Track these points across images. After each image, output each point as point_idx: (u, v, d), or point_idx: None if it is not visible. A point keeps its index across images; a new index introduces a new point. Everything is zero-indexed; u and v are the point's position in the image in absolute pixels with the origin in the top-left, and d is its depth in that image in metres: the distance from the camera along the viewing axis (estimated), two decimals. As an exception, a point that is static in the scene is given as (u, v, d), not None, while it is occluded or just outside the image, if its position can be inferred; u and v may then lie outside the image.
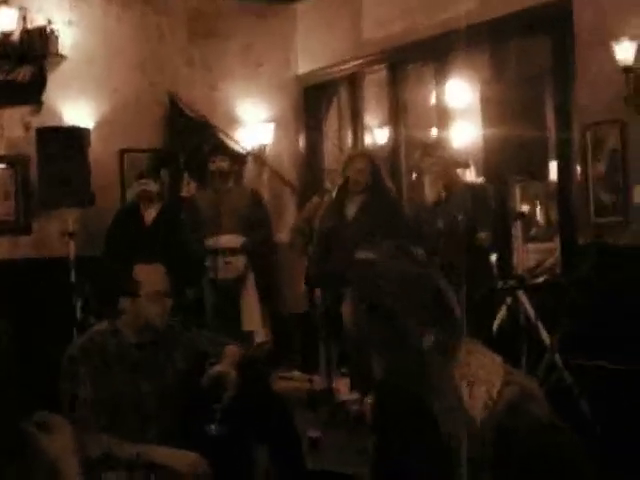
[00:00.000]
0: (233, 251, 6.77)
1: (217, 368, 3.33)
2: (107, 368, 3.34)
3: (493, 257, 6.30)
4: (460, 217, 5.75)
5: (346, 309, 2.00)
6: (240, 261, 6.82)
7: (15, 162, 7.31)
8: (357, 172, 6.11)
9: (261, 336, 6.92)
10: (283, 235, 7.64)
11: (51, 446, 1.75)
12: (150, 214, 6.91)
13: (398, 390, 2.00)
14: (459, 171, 6.47)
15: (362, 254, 5.59)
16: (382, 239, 5.72)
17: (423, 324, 1.91)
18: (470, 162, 6.82)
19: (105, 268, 6.35)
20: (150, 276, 3.39)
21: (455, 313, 1.96)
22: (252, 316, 6.90)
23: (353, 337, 2.01)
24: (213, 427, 3.24)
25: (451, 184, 6.05)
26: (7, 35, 6.61)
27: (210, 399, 3.27)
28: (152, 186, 6.94)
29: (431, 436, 1.89)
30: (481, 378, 1.90)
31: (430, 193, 6.12)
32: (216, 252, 6.71)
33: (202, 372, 3.33)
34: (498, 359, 1.97)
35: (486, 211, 6.04)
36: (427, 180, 6.22)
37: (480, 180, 6.89)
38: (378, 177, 6.23)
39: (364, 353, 2.00)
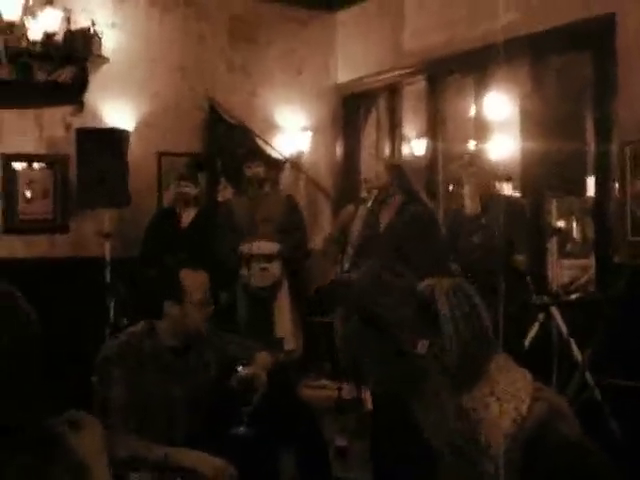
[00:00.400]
0: (268, 257, 6.77)
1: (248, 370, 3.34)
2: (141, 370, 3.36)
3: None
4: (497, 232, 5.72)
5: (336, 324, 2.06)
6: (275, 268, 6.82)
7: (54, 162, 7.38)
8: (378, 177, 6.15)
9: (291, 343, 6.92)
10: (317, 242, 7.64)
11: (81, 445, 1.75)
12: (187, 217, 6.96)
13: (389, 400, 2.03)
14: (497, 184, 6.44)
15: (353, 274, 5.62)
16: (410, 251, 5.73)
17: (414, 334, 1.94)
18: (511, 175, 6.78)
19: (143, 270, 6.40)
20: (195, 282, 3.42)
21: (444, 321, 1.97)
22: (284, 323, 6.90)
23: (346, 348, 2.06)
24: (241, 429, 3.25)
25: (489, 197, 6.03)
26: (50, 36, 6.67)
27: (239, 401, 3.28)
28: (191, 189, 7.00)
29: (418, 447, 1.90)
30: (510, 394, 1.89)
31: (469, 205, 6.10)
32: (251, 258, 6.72)
33: (232, 375, 3.34)
34: (528, 375, 1.96)
35: (522, 226, 6.00)
36: (466, 191, 6.21)
37: (516, 194, 6.85)
38: (409, 187, 6.21)
39: (357, 365, 2.04)
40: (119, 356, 3.35)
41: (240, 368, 3.33)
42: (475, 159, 6.41)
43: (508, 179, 6.78)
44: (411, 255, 5.67)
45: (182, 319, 3.38)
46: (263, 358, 3.52)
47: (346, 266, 6.28)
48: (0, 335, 1.70)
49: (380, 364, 1.99)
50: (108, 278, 6.91)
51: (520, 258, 5.84)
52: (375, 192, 6.11)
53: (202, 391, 3.43)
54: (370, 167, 7.53)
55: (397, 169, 6.29)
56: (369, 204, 6.14)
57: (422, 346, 1.93)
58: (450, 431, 1.88)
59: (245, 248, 6.74)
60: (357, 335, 2.00)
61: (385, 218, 6.13)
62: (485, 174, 6.11)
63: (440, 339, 1.94)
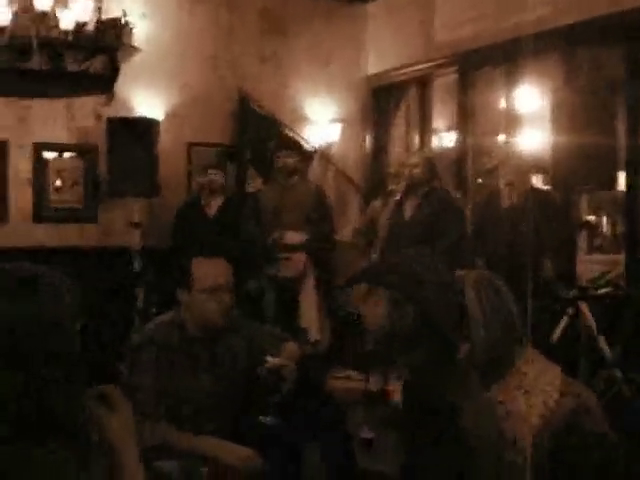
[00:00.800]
0: (295, 248, 6.78)
1: (277, 360, 3.33)
2: (169, 358, 3.36)
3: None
4: (529, 226, 5.70)
5: (375, 308, 2.02)
6: (302, 258, 6.83)
7: (85, 151, 7.43)
8: (411, 168, 6.14)
9: (316, 334, 6.92)
10: (345, 234, 7.63)
11: (111, 423, 1.75)
12: (213, 206, 6.98)
13: (423, 389, 2.00)
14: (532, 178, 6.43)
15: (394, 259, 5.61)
16: (434, 241, 5.73)
17: (458, 333, 1.92)
18: (546, 168, 6.74)
19: (168, 259, 6.43)
20: (207, 270, 3.39)
21: (472, 314, 1.95)
22: (310, 313, 6.91)
23: (382, 335, 2.03)
24: (269, 418, 3.25)
25: (524, 190, 6.01)
26: (81, 25, 6.69)
27: (267, 391, 3.28)
28: (219, 177, 7.02)
29: (451, 433, 1.89)
30: (538, 388, 1.89)
31: (504, 197, 6.09)
32: (278, 248, 6.73)
33: (260, 365, 3.33)
34: (557, 370, 1.95)
35: (554, 220, 5.98)
36: (502, 184, 6.20)
37: (547, 187, 6.81)
38: (435, 179, 6.21)
39: (390, 352, 2.02)
40: (149, 344, 3.36)
41: (269, 358, 3.32)
42: (512, 151, 6.39)
43: (544, 172, 6.73)
44: (436, 245, 5.68)
45: (194, 308, 3.37)
46: (291, 348, 3.52)
47: (374, 257, 6.29)
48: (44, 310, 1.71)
49: (422, 357, 1.98)
50: (137, 267, 6.95)
51: (549, 265, 5.85)
52: (403, 184, 6.10)
53: (230, 381, 3.43)
54: (399, 160, 7.52)
55: (428, 162, 6.29)
56: (397, 196, 6.14)
57: (464, 351, 1.92)
58: (479, 422, 1.87)
59: (273, 237, 6.75)
60: (400, 322, 1.97)
61: (410, 209, 6.13)
62: (522, 167, 6.08)
63: (468, 330, 1.93)
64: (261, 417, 3.25)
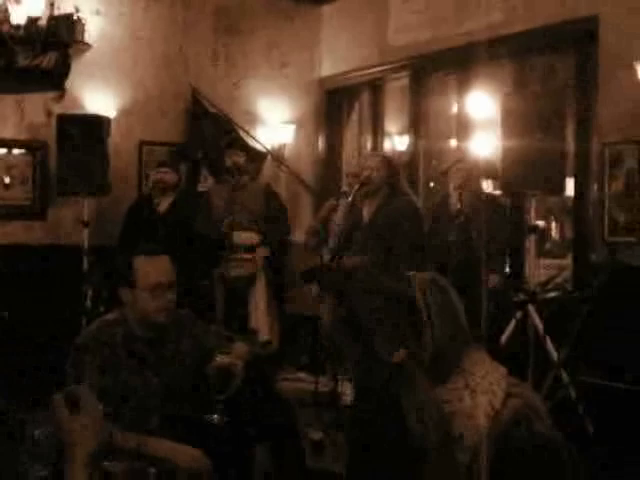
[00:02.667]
0: (247, 248, 6.77)
1: (225, 359, 3.32)
2: (114, 358, 3.34)
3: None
4: (475, 234, 5.76)
5: (324, 312, 2.05)
6: (253, 259, 6.82)
7: (35, 148, 7.35)
8: (370, 169, 6.12)
9: (265, 335, 6.91)
10: (298, 235, 7.64)
11: (72, 425, 1.74)
12: (164, 204, 6.95)
13: (369, 392, 2.02)
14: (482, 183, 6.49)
15: (349, 260, 5.63)
16: (393, 245, 5.74)
17: (396, 341, 1.93)
18: (496, 173, 6.79)
19: (113, 257, 6.38)
20: (149, 268, 3.36)
21: (419, 314, 1.97)
22: (259, 314, 6.90)
23: (330, 339, 2.06)
24: (215, 417, 3.24)
25: (473, 194, 6.06)
26: (34, 20, 6.64)
27: (214, 389, 3.27)
28: (170, 176, 6.98)
29: (399, 435, 1.90)
30: (484, 388, 1.91)
31: (453, 202, 6.14)
32: (229, 248, 6.72)
33: (208, 363, 3.32)
34: (503, 370, 1.98)
35: (502, 224, 6.05)
36: (452, 188, 6.24)
37: (497, 192, 6.87)
38: (395, 180, 6.22)
39: (340, 355, 2.05)
40: (92, 344, 3.33)
41: (217, 357, 3.31)
42: (464, 156, 6.44)
43: (495, 177, 6.79)
44: (393, 248, 5.70)
45: (136, 306, 3.36)
46: (240, 348, 3.51)
47: (326, 259, 6.29)
48: None
49: (358, 362, 1.99)
50: (85, 266, 6.88)
51: (497, 279, 5.95)
52: (357, 185, 6.11)
53: (177, 380, 3.42)
54: (352, 161, 7.54)
55: (387, 162, 6.29)
56: (351, 197, 6.14)
57: (397, 357, 1.93)
58: (427, 422, 1.89)
59: (223, 232, 6.73)
60: (340, 330, 1.99)
61: (369, 211, 6.14)
62: (472, 171, 6.14)
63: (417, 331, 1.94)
64: (207, 415, 3.24)
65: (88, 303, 6.65)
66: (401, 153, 8.06)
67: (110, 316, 3.50)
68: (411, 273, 2.04)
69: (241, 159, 6.88)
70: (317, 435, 5.27)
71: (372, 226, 6.05)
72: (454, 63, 7.23)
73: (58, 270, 7.01)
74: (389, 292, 1.96)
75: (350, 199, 6.16)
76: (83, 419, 1.75)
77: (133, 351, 3.38)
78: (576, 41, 6.21)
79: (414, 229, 6.04)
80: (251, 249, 6.78)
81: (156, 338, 3.41)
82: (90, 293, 6.68)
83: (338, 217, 6.35)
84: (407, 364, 1.93)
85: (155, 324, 3.37)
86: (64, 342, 3.48)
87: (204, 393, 3.29)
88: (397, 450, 1.89)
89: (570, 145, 6.34)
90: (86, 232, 6.96)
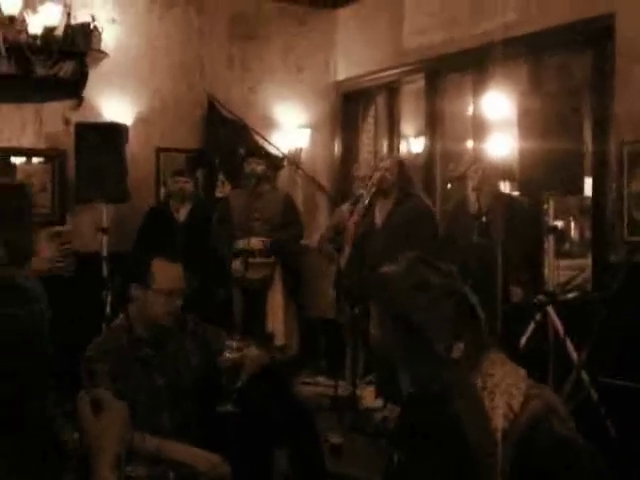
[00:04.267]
0: (261, 252, 6.78)
1: (236, 355, 3.38)
2: (121, 364, 3.40)
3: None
4: (495, 235, 5.73)
5: (372, 321, 2.01)
6: (268, 263, 6.83)
7: (53, 156, 7.39)
8: (384, 171, 6.13)
9: (282, 339, 6.92)
10: (313, 240, 7.64)
11: (94, 427, 1.74)
12: (182, 212, 6.97)
13: (424, 402, 1.99)
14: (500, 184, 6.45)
15: (385, 267, 5.61)
16: (408, 247, 5.73)
17: (450, 336, 1.91)
18: (514, 174, 6.76)
19: (130, 262, 6.40)
20: (165, 273, 3.45)
21: (482, 324, 1.96)
22: (276, 318, 6.91)
23: (379, 348, 2.01)
24: (229, 406, 3.28)
25: (492, 197, 6.04)
26: (51, 30, 6.67)
27: (226, 380, 3.32)
28: (187, 184, 7.01)
29: (456, 447, 1.88)
30: (502, 389, 1.90)
31: (472, 204, 6.12)
32: (245, 253, 6.72)
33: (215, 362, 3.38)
34: (522, 372, 1.97)
35: (523, 226, 6.02)
36: (470, 190, 6.21)
37: (515, 193, 6.85)
38: (408, 182, 6.21)
39: (391, 364, 2.00)
40: (100, 354, 3.41)
41: (227, 354, 3.37)
42: (480, 157, 6.41)
43: (513, 178, 6.76)
44: (407, 248, 5.68)
45: (145, 306, 3.41)
46: (250, 352, 3.55)
47: (343, 263, 6.29)
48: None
49: (415, 366, 1.97)
50: (105, 272, 6.91)
51: (518, 292, 5.90)
52: (373, 189, 6.11)
53: (184, 378, 3.47)
54: (368, 165, 7.53)
55: (400, 165, 6.29)
56: (366, 201, 6.14)
57: (457, 350, 1.91)
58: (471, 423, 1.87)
59: (240, 244, 6.75)
60: (391, 338, 1.97)
61: (382, 213, 6.13)
62: (490, 172, 6.12)
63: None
64: (219, 406, 3.29)
65: (108, 310, 6.67)
66: (417, 155, 8.06)
67: (115, 322, 3.59)
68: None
69: (260, 166, 6.90)
70: (337, 439, 5.27)
71: (386, 228, 6.05)
72: (469, 64, 7.21)
73: (77, 277, 7.02)
74: (438, 288, 1.95)
75: (366, 202, 6.16)
76: (108, 420, 1.76)
77: (139, 355, 3.44)
78: (592, 39, 6.18)
79: (427, 229, 6.03)
80: (264, 253, 6.80)
81: (160, 339, 3.48)
82: (109, 300, 6.71)
83: (352, 221, 6.34)
84: (463, 360, 1.92)
85: (159, 326, 3.44)
86: (84, 349, 3.52)
87: (217, 388, 3.34)
88: (452, 456, 1.88)
89: (588, 144, 6.30)
90: (105, 239, 6.99)
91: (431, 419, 1.96)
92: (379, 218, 6.15)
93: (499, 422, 1.85)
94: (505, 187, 6.91)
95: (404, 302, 1.94)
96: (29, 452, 1.65)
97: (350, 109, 8.73)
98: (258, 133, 8.12)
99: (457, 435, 1.87)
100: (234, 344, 3.45)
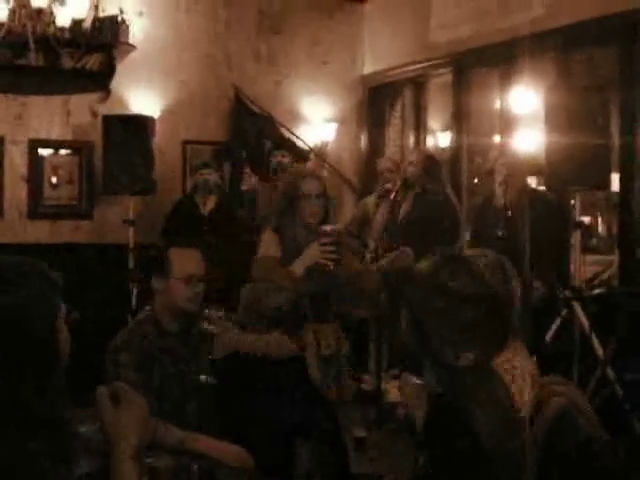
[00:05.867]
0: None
1: (212, 328, 3.44)
2: (147, 355, 3.42)
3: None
4: (522, 230, 5.71)
5: (403, 319, 2.00)
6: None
7: (80, 148, 7.44)
8: (410, 164, 6.13)
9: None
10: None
11: (114, 418, 1.76)
12: (208, 205, 6.98)
13: (446, 402, 1.99)
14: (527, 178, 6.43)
15: (419, 264, 5.61)
16: (428, 241, 5.72)
17: (460, 347, 1.90)
18: (541, 169, 6.73)
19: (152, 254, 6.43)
20: (182, 259, 3.48)
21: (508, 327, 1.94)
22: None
23: (407, 345, 2.01)
24: (203, 377, 3.36)
25: (519, 191, 6.01)
26: (78, 23, 6.69)
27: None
28: (213, 177, 7.02)
29: (472, 457, 1.87)
30: (504, 368, 1.90)
31: (499, 197, 6.10)
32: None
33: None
34: (532, 367, 1.94)
35: (549, 221, 5.99)
36: (497, 183, 6.19)
37: (542, 188, 6.82)
38: (433, 175, 6.19)
39: (418, 361, 2.00)
40: (125, 345, 3.44)
41: (206, 326, 3.46)
42: (507, 152, 6.39)
43: (540, 173, 6.73)
44: (430, 240, 5.68)
45: (169, 295, 3.44)
46: (276, 337, 3.60)
47: (368, 257, 6.29)
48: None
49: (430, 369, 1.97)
50: (131, 264, 6.95)
51: (542, 290, 5.86)
52: (398, 183, 6.10)
53: (209, 370, 3.50)
54: (392, 159, 7.51)
55: (428, 160, 6.28)
56: (392, 195, 6.14)
57: (465, 359, 1.90)
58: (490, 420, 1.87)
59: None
60: (408, 337, 1.96)
61: (406, 206, 6.13)
62: (517, 167, 6.09)
63: None
64: (201, 376, 3.35)
65: (133, 302, 6.71)
66: (444, 150, 8.03)
67: (141, 315, 3.62)
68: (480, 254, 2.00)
69: (286, 159, 6.91)
70: (360, 432, 5.28)
71: (406, 222, 6.04)
72: (497, 58, 7.17)
73: (104, 269, 7.08)
74: (455, 293, 1.91)
75: (392, 196, 6.16)
76: (127, 412, 1.78)
77: (165, 347, 3.46)
78: (620, 34, 6.13)
79: (446, 223, 6.02)
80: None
81: (185, 331, 3.50)
82: (136, 291, 6.75)
83: (379, 214, 6.33)
84: (480, 366, 1.89)
85: (185, 314, 3.45)
86: (110, 341, 3.55)
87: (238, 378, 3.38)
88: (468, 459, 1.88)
89: (615, 139, 6.26)
90: (132, 231, 7.03)
91: (447, 429, 1.95)
92: (402, 212, 6.14)
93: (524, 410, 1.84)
94: (532, 182, 6.88)
95: (420, 305, 1.93)
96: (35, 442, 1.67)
97: (377, 103, 8.71)
98: (284, 126, 8.13)
99: (472, 443, 1.86)
100: (213, 314, 3.51)
